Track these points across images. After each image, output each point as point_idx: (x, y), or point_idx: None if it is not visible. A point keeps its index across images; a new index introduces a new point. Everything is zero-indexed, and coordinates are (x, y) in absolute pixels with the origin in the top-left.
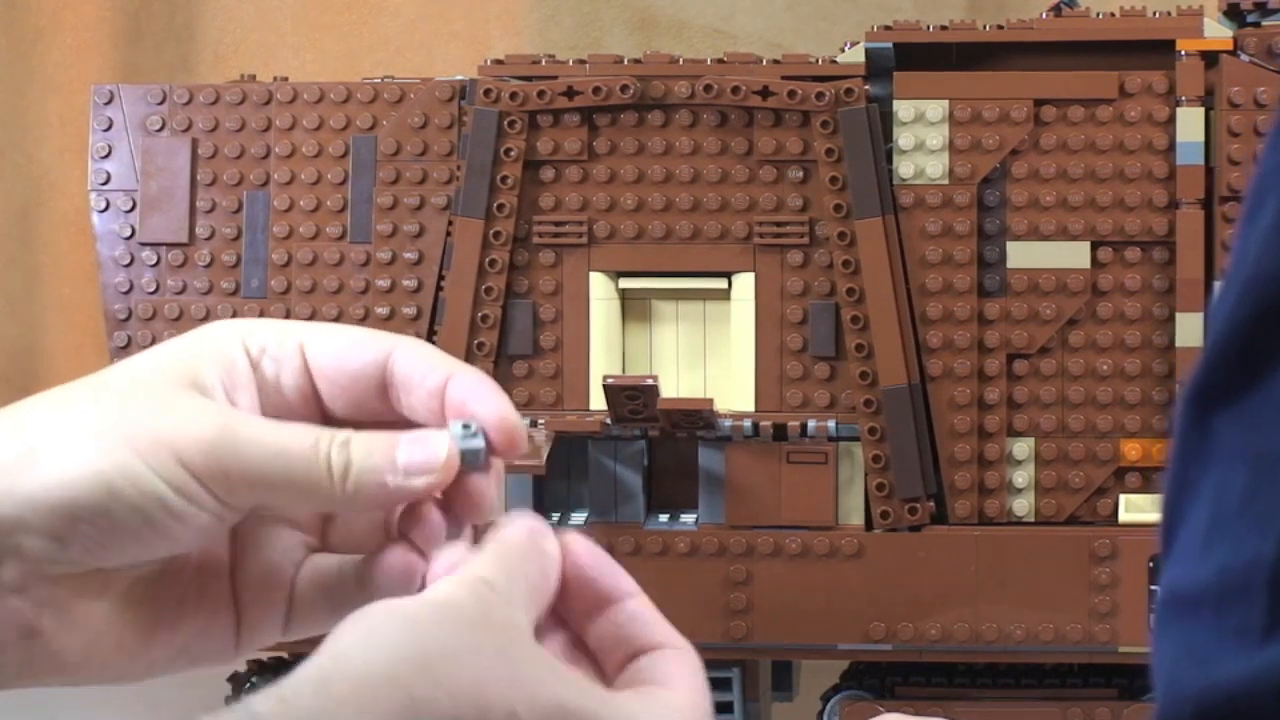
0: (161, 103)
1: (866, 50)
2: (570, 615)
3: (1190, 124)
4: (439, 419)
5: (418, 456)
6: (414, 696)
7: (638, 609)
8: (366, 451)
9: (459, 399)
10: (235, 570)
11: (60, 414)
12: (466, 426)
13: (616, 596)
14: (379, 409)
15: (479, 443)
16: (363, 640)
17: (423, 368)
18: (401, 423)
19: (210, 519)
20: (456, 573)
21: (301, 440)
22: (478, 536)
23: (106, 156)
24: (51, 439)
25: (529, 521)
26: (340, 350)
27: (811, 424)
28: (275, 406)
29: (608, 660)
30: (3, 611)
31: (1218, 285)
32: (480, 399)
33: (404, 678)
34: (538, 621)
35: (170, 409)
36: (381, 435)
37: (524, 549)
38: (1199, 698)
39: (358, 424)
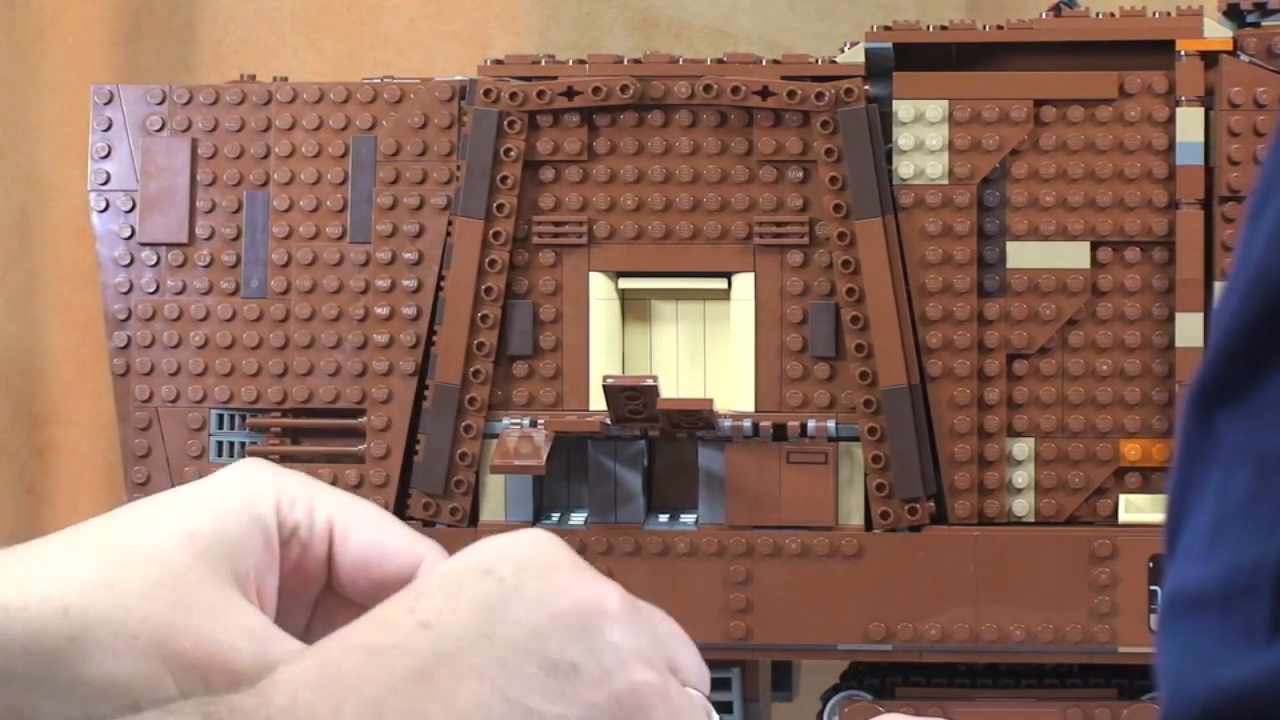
0: (161, 103)
1: (866, 50)
2: None
3: (1190, 124)
4: None
5: None
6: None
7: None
8: None
9: None
10: None
11: (107, 599)
12: None
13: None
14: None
15: None
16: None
17: None
18: None
19: None
20: None
21: None
22: None
23: (106, 156)
24: (95, 632)
25: None
26: (366, 560)
27: (811, 424)
28: (288, 578)
29: None
30: None
31: (1218, 285)
32: None
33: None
34: None
35: (214, 625)
36: None
37: None
38: (1206, 699)
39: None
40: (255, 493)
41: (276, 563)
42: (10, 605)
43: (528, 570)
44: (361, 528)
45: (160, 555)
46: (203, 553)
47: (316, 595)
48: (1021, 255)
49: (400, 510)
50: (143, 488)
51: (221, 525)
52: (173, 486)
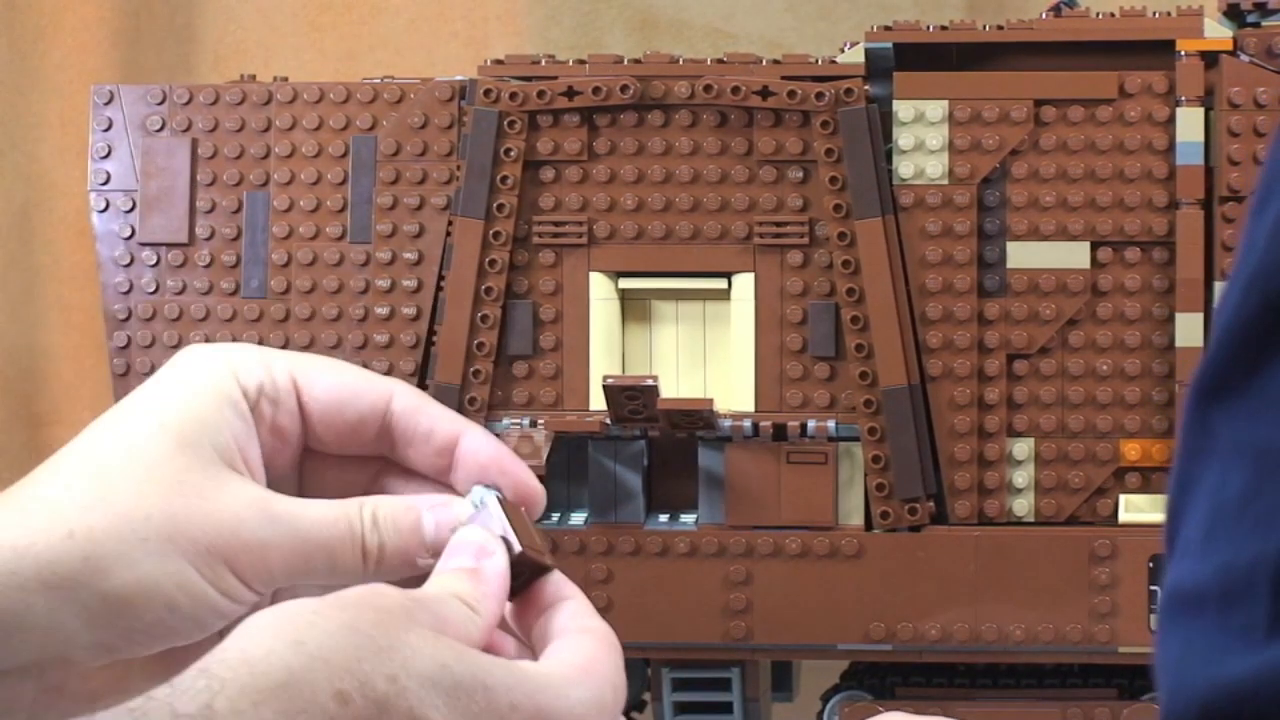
0: (161, 103)
1: (866, 50)
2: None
3: (1190, 124)
4: (444, 474)
5: (445, 536)
6: (292, 669)
7: (572, 605)
8: (395, 530)
9: (482, 469)
10: None
11: (106, 512)
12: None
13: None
14: (368, 448)
15: (499, 512)
16: (245, 631)
17: (425, 424)
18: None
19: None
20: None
21: (339, 529)
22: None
23: (106, 156)
24: (105, 548)
25: (473, 545)
26: (336, 400)
27: (811, 424)
28: (267, 449)
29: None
30: (26, 699)
31: (1218, 285)
32: (507, 472)
33: (280, 654)
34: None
35: (212, 503)
36: (403, 509)
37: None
38: (1204, 697)
39: (340, 456)
40: (210, 369)
41: (254, 430)
42: (17, 545)
43: None
44: (322, 375)
45: (142, 454)
46: (179, 439)
47: (299, 457)
48: (1021, 255)
49: None
50: None
51: (190, 407)
52: None
